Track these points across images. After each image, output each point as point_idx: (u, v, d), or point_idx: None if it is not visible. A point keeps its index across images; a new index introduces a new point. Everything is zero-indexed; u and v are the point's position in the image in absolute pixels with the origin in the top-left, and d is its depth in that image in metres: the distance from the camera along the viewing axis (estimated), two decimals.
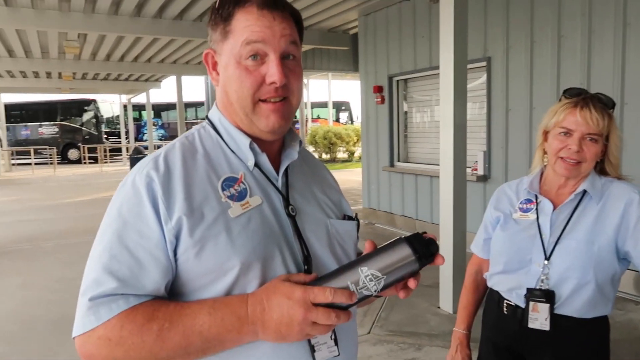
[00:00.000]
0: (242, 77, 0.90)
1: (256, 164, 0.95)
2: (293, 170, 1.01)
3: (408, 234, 0.86)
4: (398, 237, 0.84)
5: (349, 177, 13.60)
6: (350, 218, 1.07)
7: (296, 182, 1.01)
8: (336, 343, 0.90)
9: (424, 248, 0.82)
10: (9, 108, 20.49)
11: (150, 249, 0.84)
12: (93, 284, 0.83)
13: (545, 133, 1.59)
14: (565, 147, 1.50)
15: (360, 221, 6.94)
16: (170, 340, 0.80)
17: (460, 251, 3.98)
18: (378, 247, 0.85)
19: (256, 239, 0.88)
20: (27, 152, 18.72)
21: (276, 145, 1.00)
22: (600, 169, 1.58)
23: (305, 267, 0.91)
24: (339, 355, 0.90)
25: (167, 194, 0.86)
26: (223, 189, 0.90)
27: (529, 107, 4.99)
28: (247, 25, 0.89)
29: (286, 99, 0.93)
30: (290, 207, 0.94)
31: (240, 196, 0.90)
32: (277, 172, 0.98)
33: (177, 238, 0.85)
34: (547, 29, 4.75)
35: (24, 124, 21.81)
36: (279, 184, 0.96)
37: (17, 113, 21.80)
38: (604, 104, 1.51)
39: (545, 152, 1.61)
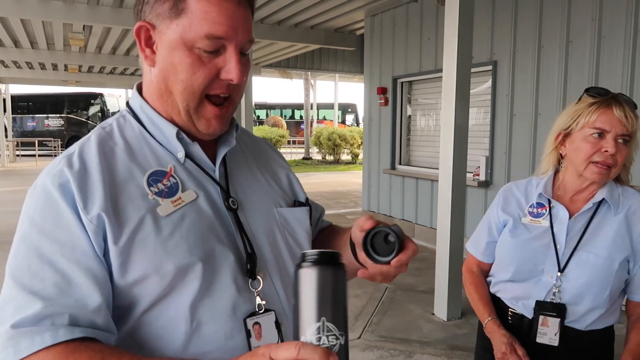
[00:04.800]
0: (195, 67, 0.79)
1: (187, 155, 0.85)
2: (232, 158, 0.91)
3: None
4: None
5: (351, 179, 13.53)
6: (301, 204, 0.98)
7: (236, 171, 0.91)
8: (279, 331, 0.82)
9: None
10: (16, 99, 20.59)
11: (77, 259, 0.73)
12: (13, 310, 0.70)
13: (563, 136, 1.46)
14: (600, 151, 1.36)
15: None
16: None
17: (457, 257, 3.88)
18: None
19: (191, 238, 0.78)
20: (32, 144, 18.75)
21: None
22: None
23: (249, 265, 0.81)
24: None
25: (83, 192, 0.75)
26: (149, 185, 0.79)
27: (533, 113, 4.88)
28: (207, 11, 0.77)
29: (230, 97, 0.84)
30: (230, 200, 0.85)
31: (170, 192, 0.80)
32: (214, 162, 0.87)
33: (104, 241, 0.74)
34: (555, 33, 4.64)
35: (30, 115, 21.90)
36: (216, 174, 0.87)
37: (24, 104, 21.89)
38: (631, 104, 1.39)
39: (561, 156, 1.48)
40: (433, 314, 3.96)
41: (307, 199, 1.01)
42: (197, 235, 0.78)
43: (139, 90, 0.89)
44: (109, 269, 0.74)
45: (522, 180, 1.60)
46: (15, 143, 19.18)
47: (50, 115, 21.73)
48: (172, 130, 0.84)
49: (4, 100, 17.85)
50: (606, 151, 1.35)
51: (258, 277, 0.82)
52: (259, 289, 0.82)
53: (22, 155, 19.70)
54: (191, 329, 0.77)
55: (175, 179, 0.82)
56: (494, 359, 1.54)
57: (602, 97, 1.38)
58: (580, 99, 1.45)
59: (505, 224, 1.54)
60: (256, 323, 0.80)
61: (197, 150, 0.86)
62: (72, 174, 0.76)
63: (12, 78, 15.68)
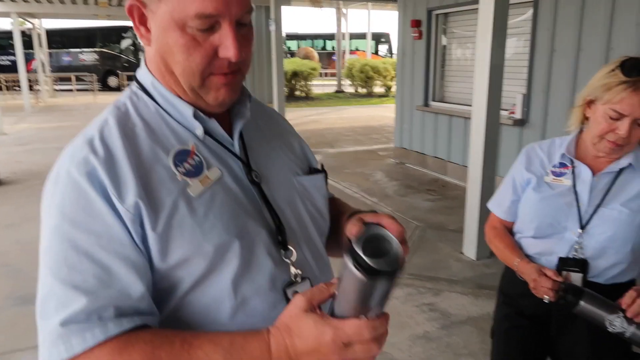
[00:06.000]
0: (190, 48, 0.75)
1: (205, 131, 0.82)
2: (247, 130, 0.89)
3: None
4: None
5: (384, 114, 13.37)
6: (316, 170, 0.97)
7: (253, 143, 0.89)
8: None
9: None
10: (50, 34, 20.73)
11: (115, 249, 0.71)
12: (56, 306, 0.69)
13: (588, 101, 1.46)
14: (613, 131, 1.38)
15: (392, 161, 6.86)
16: None
17: (488, 197, 3.84)
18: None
19: (225, 216, 0.77)
20: (69, 79, 19.09)
21: None
22: None
23: (279, 237, 0.83)
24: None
25: (115, 180, 0.73)
26: (176, 165, 0.77)
27: (576, 48, 4.65)
28: None
29: (239, 69, 0.81)
30: (253, 174, 0.83)
31: (196, 171, 0.78)
32: (231, 136, 0.85)
33: (142, 227, 0.73)
34: None
35: (65, 50, 22.10)
36: (236, 149, 0.85)
37: (58, 39, 22.04)
38: None
39: (586, 117, 1.49)
40: (462, 253, 4.06)
41: (322, 165, 1.00)
42: (230, 213, 0.78)
43: (148, 67, 0.85)
44: (148, 254, 0.73)
45: (546, 141, 1.62)
46: (53, 78, 19.56)
47: (84, 49, 21.88)
48: (188, 110, 0.81)
49: (39, 35, 18.04)
50: (618, 133, 1.37)
51: (290, 247, 0.83)
52: (292, 259, 0.83)
53: (61, 90, 20.16)
54: (236, 305, 0.78)
55: (198, 157, 0.80)
56: (517, 315, 1.62)
57: (632, 79, 1.34)
58: (613, 69, 1.40)
59: (529, 182, 1.57)
60: (295, 292, 0.80)
61: (215, 126, 0.83)
62: (98, 161, 0.73)
63: (45, 13, 15.73)
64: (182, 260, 0.74)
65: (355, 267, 0.61)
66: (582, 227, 1.46)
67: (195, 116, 0.81)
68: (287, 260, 0.83)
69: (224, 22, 0.75)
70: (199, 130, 0.81)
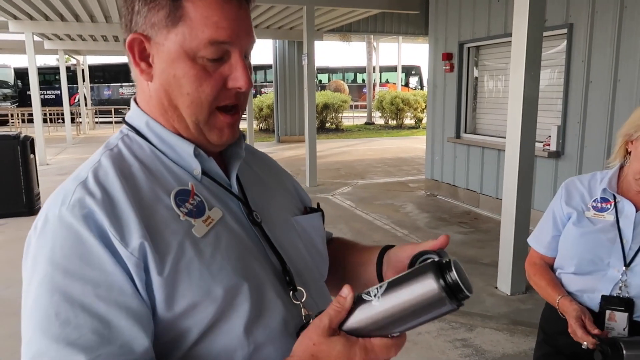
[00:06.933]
0: (200, 78, 0.73)
1: (203, 172, 0.79)
2: (241, 170, 0.85)
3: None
4: (426, 262, 0.65)
5: (414, 145, 13.34)
6: (312, 210, 0.94)
7: (249, 184, 0.86)
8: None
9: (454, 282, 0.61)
10: (92, 69, 21.79)
11: (115, 299, 0.64)
12: None
13: (629, 138, 1.44)
14: None
15: (423, 192, 6.75)
16: None
17: (523, 230, 3.81)
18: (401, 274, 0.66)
19: (232, 257, 0.73)
20: (109, 112, 19.87)
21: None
22: None
23: (287, 278, 0.79)
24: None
25: (116, 222, 0.67)
26: (178, 206, 0.73)
27: (612, 79, 4.57)
28: (208, 15, 0.72)
29: (240, 108, 0.80)
30: (254, 214, 0.80)
31: (199, 211, 0.74)
32: (227, 176, 0.82)
33: (147, 272, 0.67)
34: None
35: (106, 84, 23.12)
36: (234, 189, 0.81)
37: (100, 74, 23.11)
38: None
39: (628, 152, 1.46)
40: (496, 288, 3.94)
41: (318, 203, 0.98)
42: (237, 255, 0.74)
43: (137, 105, 0.81)
44: (151, 303, 0.67)
45: (586, 175, 1.59)
46: (94, 111, 20.41)
47: (123, 84, 22.84)
48: (188, 148, 0.77)
49: (82, 70, 18.97)
50: None
51: (299, 288, 0.79)
52: (302, 301, 0.79)
53: (100, 122, 20.96)
54: (249, 354, 0.72)
55: (199, 197, 0.76)
56: (556, 354, 1.56)
57: None
58: None
59: (570, 217, 1.54)
60: None
61: (213, 165, 0.80)
62: (96, 202, 0.67)
63: (89, 50, 16.57)
64: (189, 307, 0.68)
65: (438, 282, 0.60)
66: (627, 265, 1.40)
67: (196, 154, 0.77)
68: (297, 302, 0.79)
69: (233, 51, 0.74)
70: (196, 170, 0.78)
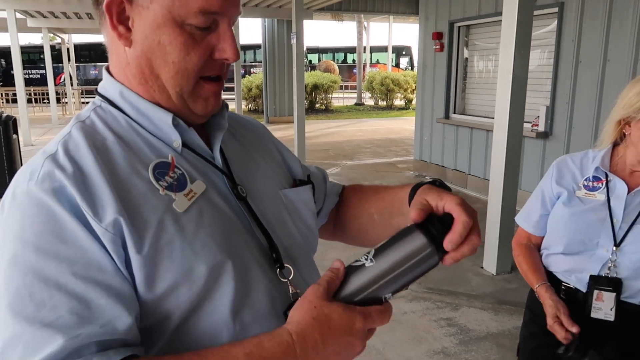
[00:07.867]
0: (188, 47, 0.69)
1: (184, 143, 0.74)
2: (225, 142, 0.81)
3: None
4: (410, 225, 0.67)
5: (404, 126, 13.31)
6: (302, 182, 0.90)
7: (233, 156, 0.82)
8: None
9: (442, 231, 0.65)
10: (78, 48, 21.36)
11: (94, 277, 0.61)
12: (23, 351, 0.57)
13: (625, 121, 1.39)
14: None
15: (412, 173, 6.75)
16: None
17: (510, 210, 3.82)
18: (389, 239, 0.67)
19: (217, 234, 0.70)
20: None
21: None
22: None
23: (274, 255, 0.76)
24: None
25: (88, 196, 0.63)
26: (157, 179, 0.68)
27: (602, 60, 4.55)
28: None
29: (222, 75, 0.77)
30: (239, 188, 0.76)
31: (180, 185, 0.70)
32: (210, 148, 0.78)
33: (124, 250, 0.63)
34: None
35: (92, 64, 22.70)
36: (218, 161, 0.77)
37: (86, 53, 22.67)
38: None
39: (624, 134, 1.42)
40: (482, 268, 3.97)
41: (308, 175, 0.94)
42: (221, 230, 0.71)
43: (111, 74, 0.77)
44: (132, 283, 0.64)
45: (578, 153, 1.55)
46: (80, 91, 20.08)
47: None
48: (166, 118, 0.73)
49: (68, 49, 18.58)
50: None
51: (286, 265, 0.76)
52: (290, 278, 0.76)
53: (87, 102, 20.61)
54: (235, 335, 0.69)
55: (180, 169, 0.71)
56: (544, 333, 1.56)
57: None
58: None
59: (559, 196, 1.51)
60: None
61: (194, 136, 0.76)
62: (66, 176, 0.63)
63: (74, 28, 16.20)
64: (171, 287, 0.65)
65: (425, 236, 0.64)
66: (617, 245, 1.39)
67: (174, 124, 0.73)
68: (283, 280, 0.76)
69: (222, 21, 0.72)
70: (176, 142, 0.74)
